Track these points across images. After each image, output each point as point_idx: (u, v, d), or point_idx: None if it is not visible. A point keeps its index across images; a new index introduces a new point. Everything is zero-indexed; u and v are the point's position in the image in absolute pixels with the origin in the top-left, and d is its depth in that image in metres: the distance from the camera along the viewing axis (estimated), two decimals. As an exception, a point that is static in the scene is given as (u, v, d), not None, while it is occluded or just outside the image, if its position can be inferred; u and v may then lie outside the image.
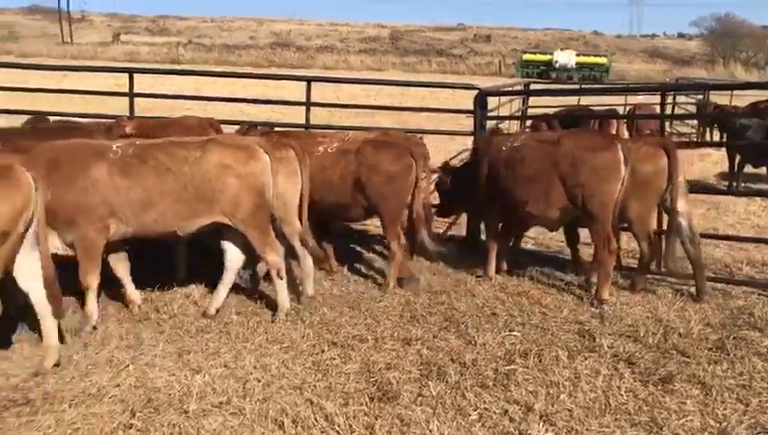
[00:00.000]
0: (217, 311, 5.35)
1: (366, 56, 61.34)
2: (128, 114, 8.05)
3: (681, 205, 5.86)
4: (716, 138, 15.60)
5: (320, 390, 4.18)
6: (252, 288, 5.95)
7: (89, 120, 7.66)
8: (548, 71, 49.03)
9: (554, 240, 7.51)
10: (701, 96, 18.44)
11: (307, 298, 5.70)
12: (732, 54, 62.15)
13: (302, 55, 59.75)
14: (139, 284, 5.64)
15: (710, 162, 13.91)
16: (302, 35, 76.92)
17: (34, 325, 4.59)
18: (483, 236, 7.08)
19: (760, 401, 4.12)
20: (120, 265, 5.38)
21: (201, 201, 5.02)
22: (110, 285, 5.43)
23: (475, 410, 3.98)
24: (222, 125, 7.35)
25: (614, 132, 10.54)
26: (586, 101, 16.62)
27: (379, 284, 6.23)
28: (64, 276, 4.56)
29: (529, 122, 11.67)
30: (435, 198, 7.32)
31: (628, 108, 15.67)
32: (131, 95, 8.12)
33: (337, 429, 3.77)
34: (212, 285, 5.56)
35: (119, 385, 4.15)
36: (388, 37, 78.52)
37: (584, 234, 6.41)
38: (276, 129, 7.44)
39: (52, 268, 4.31)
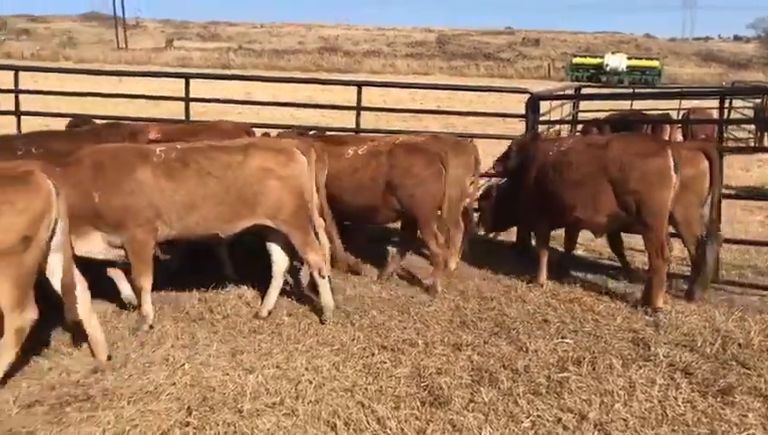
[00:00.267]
0: (269, 312, 5.42)
1: (412, 60, 61.55)
2: (183, 118, 8.25)
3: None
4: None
5: (371, 393, 4.18)
6: (302, 290, 6.00)
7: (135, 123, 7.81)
8: (598, 74, 48.33)
9: (606, 247, 7.38)
10: (759, 100, 17.86)
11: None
12: (792, 57, 60.29)
13: (350, 60, 60.32)
14: (193, 283, 5.77)
15: (768, 168, 13.51)
16: (349, 40, 77.68)
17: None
18: (533, 242, 7.00)
19: (825, 417, 3.97)
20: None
21: (243, 204, 5.10)
22: (164, 286, 5.55)
23: (528, 418, 3.93)
24: (270, 129, 7.58)
25: (667, 137, 10.33)
26: (638, 105, 16.29)
27: (427, 288, 6.21)
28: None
29: (579, 127, 11.50)
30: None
31: (681, 112, 15.29)
32: (187, 100, 8.31)
33: (389, 432, 3.77)
34: (262, 285, 5.63)
35: (174, 383, 4.22)
36: (435, 41, 78.53)
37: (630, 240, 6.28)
38: (327, 133, 7.54)
39: (71, 274, 4.31)
